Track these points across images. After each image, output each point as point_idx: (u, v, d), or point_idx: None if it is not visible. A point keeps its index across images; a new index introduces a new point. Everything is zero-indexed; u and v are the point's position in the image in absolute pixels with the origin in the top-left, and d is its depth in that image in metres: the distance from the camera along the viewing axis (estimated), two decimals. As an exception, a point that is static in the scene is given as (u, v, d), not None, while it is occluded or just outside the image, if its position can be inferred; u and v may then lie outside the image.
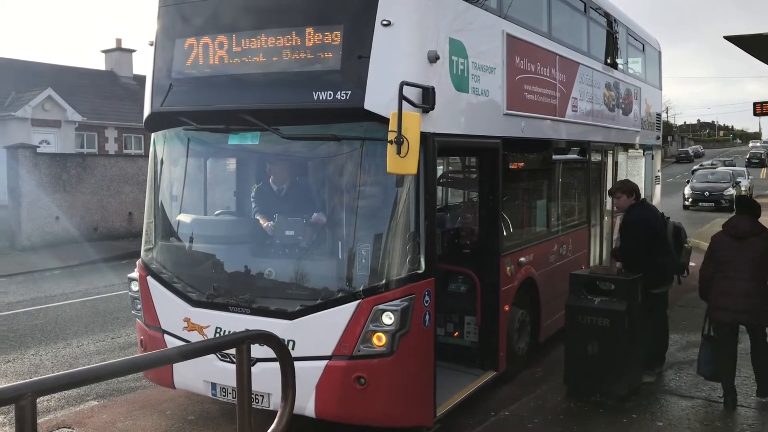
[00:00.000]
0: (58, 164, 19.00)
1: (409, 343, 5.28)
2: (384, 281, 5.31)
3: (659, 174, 14.81)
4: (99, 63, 49.14)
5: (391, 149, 4.91)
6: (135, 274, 6.46)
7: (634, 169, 12.23)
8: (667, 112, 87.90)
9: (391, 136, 4.89)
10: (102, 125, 26.85)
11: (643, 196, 7.64)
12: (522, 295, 7.35)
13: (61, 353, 8.70)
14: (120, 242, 18.50)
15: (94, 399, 7.07)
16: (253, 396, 5.28)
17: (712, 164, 45.34)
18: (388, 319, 5.20)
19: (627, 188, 7.20)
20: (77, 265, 15.50)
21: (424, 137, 5.25)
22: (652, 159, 13.68)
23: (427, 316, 5.44)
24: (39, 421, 6.34)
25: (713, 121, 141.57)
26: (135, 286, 6.43)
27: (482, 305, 6.68)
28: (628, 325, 6.20)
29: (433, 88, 5.36)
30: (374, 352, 5.23)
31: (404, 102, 4.99)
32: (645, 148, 12.92)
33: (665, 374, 7.08)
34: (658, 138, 14.07)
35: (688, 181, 32.16)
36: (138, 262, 6.51)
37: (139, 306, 6.39)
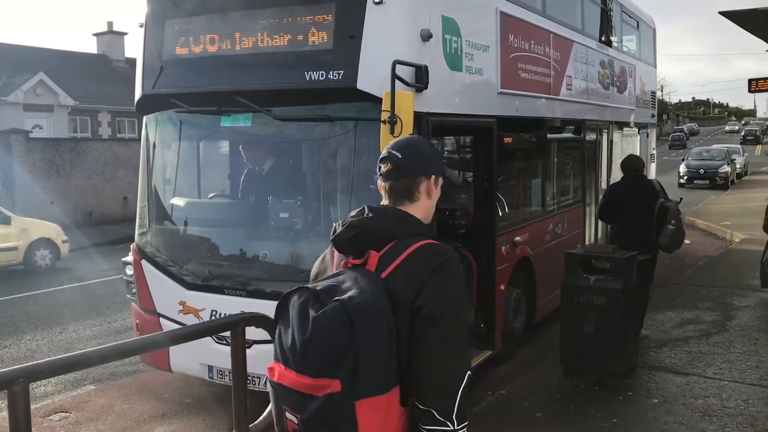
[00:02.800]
0: (51, 149, 18.93)
1: (405, 323, 5.26)
2: (379, 262, 5.29)
3: (654, 152, 14.80)
4: (91, 46, 48.83)
5: (384, 129, 4.86)
6: (130, 258, 6.44)
7: (629, 147, 12.20)
8: (662, 90, 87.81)
9: (385, 116, 4.85)
10: (95, 109, 26.74)
11: (639, 173, 7.80)
12: (518, 275, 7.35)
13: (57, 338, 8.69)
14: (115, 227, 18.46)
15: (91, 383, 7.08)
16: (249, 378, 5.30)
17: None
18: (383, 299, 5.18)
19: (622, 164, 7.79)
20: (72, 250, 15.44)
21: (418, 116, 5.20)
22: (647, 137, 13.67)
23: (423, 297, 5.42)
24: (36, 405, 6.39)
25: (708, 99, 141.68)
26: (130, 270, 6.41)
27: (478, 285, 6.68)
28: (624, 303, 6.20)
29: (426, 67, 5.31)
30: (370, 332, 5.21)
31: (397, 81, 4.94)
32: (640, 126, 12.90)
33: (661, 351, 7.11)
34: (653, 116, 14.05)
35: (683, 159, 32.19)
36: (132, 246, 6.49)
37: (134, 290, 6.37)
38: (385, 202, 2.36)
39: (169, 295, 6.03)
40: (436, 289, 2.09)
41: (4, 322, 9.49)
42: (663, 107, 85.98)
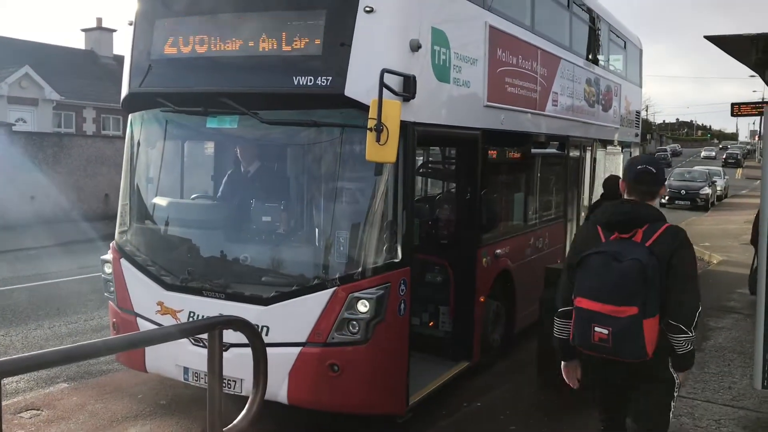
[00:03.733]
0: (34, 143, 18.75)
1: (384, 331, 5.28)
2: (360, 269, 5.31)
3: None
4: (79, 42, 48.47)
5: (370, 137, 4.89)
6: (108, 256, 6.39)
7: (612, 165, 12.32)
8: (646, 110, 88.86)
9: (371, 124, 4.87)
10: (80, 105, 26.56)
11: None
12: (497, 287, 7.38)
13: (32, 335, 8.60)
14: (95, 224, 18.26)
15: (64, 381, 7.00)
16: (225, 381, 5.28)
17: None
18: (363, 307, 5.19)
19: (604, 183, 8.26)
20: (51, 245, 15.29)
21: (404, 126, 5.24)
22: (630, 156, 13.80)
23: (403, 305, 5.44)
24: (7, 402, 6.31)
25: (692, 121, 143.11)
26: (108, 269, 6.36)
27: (457, 296, 6.70)
28: (600, 319, 6.23)
29: (414, 77, 5.35)
30: (349, 339, 5.23)
31: (385, 89, 4.97)
32: (623, 145, 13.02)
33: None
34: (636, 135, 14.19)
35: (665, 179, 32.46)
36: (112, 244, 6.44)
37: (112, 288, 6.32)
38: (628, 197, 3.80)
39: (147, 295, 5.99)
40: (680, 254, 3.56)
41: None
42: (647, 127, 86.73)
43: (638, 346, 3.44)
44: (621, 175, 7.70)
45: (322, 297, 5.27)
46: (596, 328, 3.48)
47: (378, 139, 4.86)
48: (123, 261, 6.22)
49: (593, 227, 3.78)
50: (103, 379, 7.10)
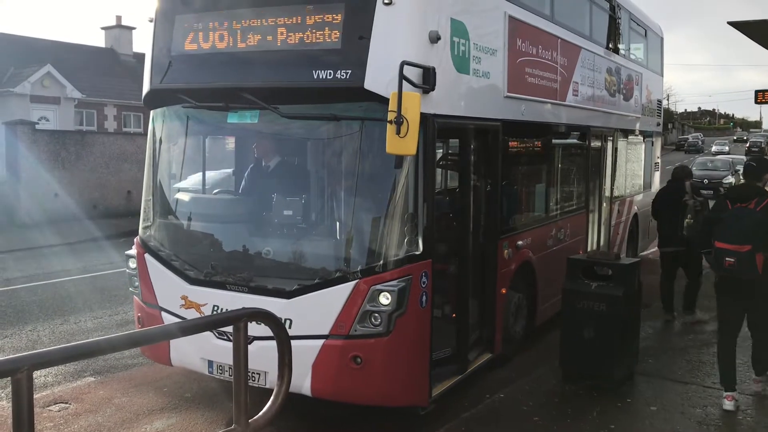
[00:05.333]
0: (56, 141, 18.96)
1: (406, 323, 5.29)
2: (382, 262, 5.31)
3: (659, 161, 14.79)
4: (99, 40, 48.85)
5: (390, 129, 4.89)
6: (133, 252, 6.46)
7: (633, 155, 12.21)
8: (668, 99, 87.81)
9: (391, 116, 4.87)
10: (101, 103, 26.78)
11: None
12: (519, 279, 7.36)
13: (58, 329, 8.72)
14: (118, 220, 18.47)
15: (91, 375, 7.10)
16: (249, 374, 5.33)
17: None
18: (385, 299, 5.21)
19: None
20: (76, 242, 15.50)
21: (424, 118, 5.23)
22: (652, 146, 13.67)
23: (424, 297, 5.45)
24: (36, 396, 6.40)
25: (714, 109, 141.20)
26: (133, 264, 6.43)
27: (479, 288, 6.68)
28: (624, 310, 6.21)
29: (433, 69, 5.34)
30: (371, 331, 5.24)
31: (405, 82, 4.97)
32: (645, 134, 12.90)
33: (660, 359, 7.11)
34: (658, 125, 14.05)
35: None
36: (136, 239, 6.51)
37: (136, 283, 6.39)
38: (742, 180, 6.34)
39: (171, 290, 6.05)
40: None
41: (7, 312, 9.52)
42: (669, 116, 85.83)
43: (752, 269, 5.54)
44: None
45: (344, 290, 5.29)
46: (726, 258, 5.66)
47: (398, 132, 4.86)
48: (147, 256, 6.28)
49: (723, 200, 6.03)
50: (129, 373, 7.19)
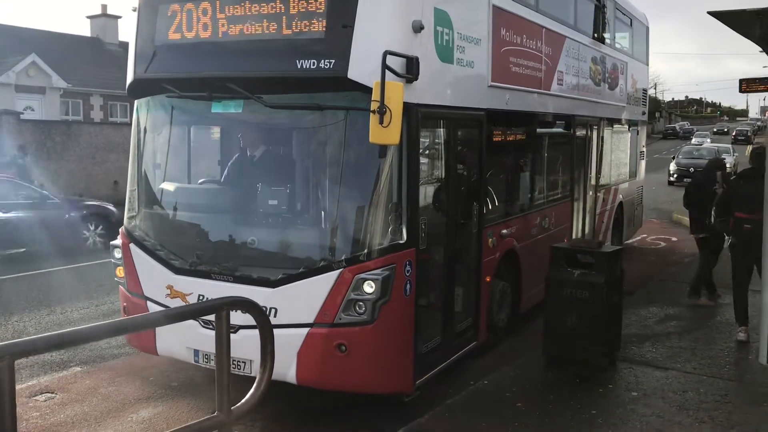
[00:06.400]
0: (42, 131, 18.87)
1: (390, 311, 5.33)
2: (366, 251, 5.36)
3: (644, 149, 14.89)
4: (84, 29, 48.42)
5: (373, 119, 4.92)
6: (118, 242, 6.47)
7: (619, 144, 12.29)
8: (655, 88, 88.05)
9: (374, 106, 4.90)
10: (87, 92, 26.62)
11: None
12: (504, 267, 7.42)
13: (44, 320, 8.72)
14: (105, 211, 18.35)
15: (77, 365, 7.12)
16: (234, 363, 5.38)
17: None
18: (369, 287, 5.25)
19: None
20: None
21: (408, 107, 5.25)
22: (638, 134, 13.75)
23: (408, 286, 5.49)
24: (21, 386, 6.43)
25: (701, 98, 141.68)
26: (118, 254, 6.44)
27: (463, 276, 6.73)
28: (606, 298, 6.28)
29: (417, 58, 5.36)
30: (355, 320, 5.29)
31: (388, 71, 4.99)
32: (630, 123, 12.98)
33: (642, 346, 7.20)
34: (643, 113, 14.13)
35: (673, 157, 32.31)
36: (121, 229, 6.51)
37: (122, 273, 6.40)
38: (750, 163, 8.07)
39: (156, 279, 6.07)
40: None
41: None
42: (656, 105, 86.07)
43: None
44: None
45: (329, 278, 5.33)
46: (745, 225, 7.21)
47: (381, 122, 4.89)
48: (132, 246, 6.28)
49: (738, 180, 7.90)
50: (115, 363, 7.21)
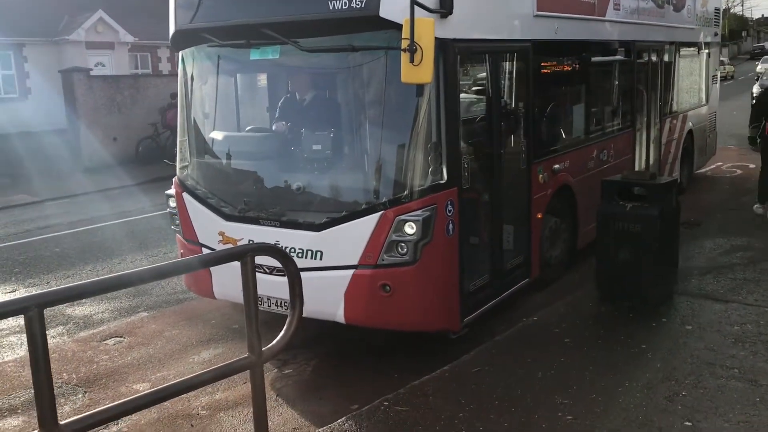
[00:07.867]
0: (111, 86, 19.40)
1: (433, 251, 5.35)
2: (406, 192, 5.35)
3: (717, 73, 14.11)
4: (150, -18, 49.00)
5: (404, 57, 4.83)
6: (172, 191, 6.67)
7: (686, 69, 11.68)
8: (742, 5, 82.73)
9: (404, 44, 4.80)
10: (154, 45, 27.06)
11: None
12: (557, 203, 7.28)
13: (116, 268, 9.15)
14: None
15: (144, 311, 7.47)
16: (281, 303, 5.59)
17: None
18: (410, 229, 5.26)
19: None
20: (138, 183, 15.99)
21: (443, 43, 5.14)
22: (709, 57, 13.01)
23: (451, 226, 5.47)
24: (93, 331, 6.82)
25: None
26: (172, 203, 6.65)
27: (513, 214, 6.65)
28: (659, 231, 6.09)
29: (450, -9, 5.19)
30: (398, 260, 5.33)
31: (418, 7, 4.86)
32: (700, 46, 12.28)
33: (704, 278, 6.98)
34: (716, 35, 13.32)
35: (756, 79, 30.55)
36: (174, 179, 6.70)
37: (177, 221, 6.62)
38: None
39: (209, 226, 6.25)
40: None
41: (70, 254, 10.01)
42: (742, 23, 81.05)
43: None
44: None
45: (371, 221, 5.36)
46: None
47: (412, 60, 4.80)
48: (185, 195, 6.47)
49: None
50: (179, 308, 7.53)
